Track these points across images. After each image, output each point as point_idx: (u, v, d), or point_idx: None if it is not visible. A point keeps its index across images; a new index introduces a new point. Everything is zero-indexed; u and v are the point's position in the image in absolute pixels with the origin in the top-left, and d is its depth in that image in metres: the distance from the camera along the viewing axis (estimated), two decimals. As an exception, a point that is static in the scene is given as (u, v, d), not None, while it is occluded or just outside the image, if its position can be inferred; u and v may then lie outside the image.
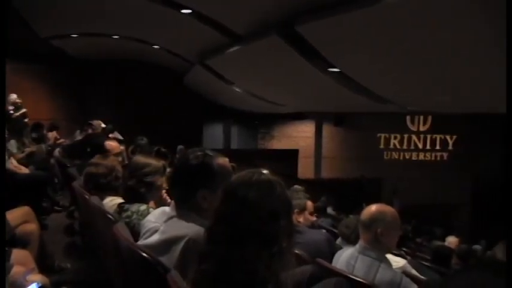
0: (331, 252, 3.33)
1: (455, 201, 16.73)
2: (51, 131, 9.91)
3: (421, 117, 17.52)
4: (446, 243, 8.33)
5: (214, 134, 17.39)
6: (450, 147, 17.63)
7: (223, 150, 13.03)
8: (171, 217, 1.97)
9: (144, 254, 1.73)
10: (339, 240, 4.22)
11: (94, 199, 2.96)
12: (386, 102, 11.18)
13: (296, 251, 2.72)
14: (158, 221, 2.07)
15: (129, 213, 2.79)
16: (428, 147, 17.68)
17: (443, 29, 6.04)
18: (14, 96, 6.98)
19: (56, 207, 6.15)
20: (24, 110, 6.55)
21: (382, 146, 17.57)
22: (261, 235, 1.47)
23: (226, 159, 2.08)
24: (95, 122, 8.71)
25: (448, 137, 17.60)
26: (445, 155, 17.65)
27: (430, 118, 17.45)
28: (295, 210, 4.03)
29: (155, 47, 12.66)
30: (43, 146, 7.21)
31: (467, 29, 5.89)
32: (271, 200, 1.53)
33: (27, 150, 6.08)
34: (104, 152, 4.41)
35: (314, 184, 14.45)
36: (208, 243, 1.52)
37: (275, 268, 1.47)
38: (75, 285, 3.48)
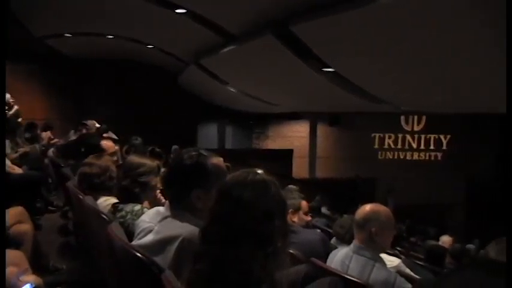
0: (325, 251, 3.33)
1: (450, 200, 16.78)
2: (45, 130, 9.86)
3: (416, 117, 17.56)
4: (440, 243, 8.37)
5: (208, 133, 17.37)
6: (444, 147, 17.67)
7: (217, 150, 13.02)
8: (166, 217, 1.97)
9: (138, 254, 1.72)
10: (333, 240, 4.23)
11: (88, 199, 2.95)
12: (381, 102, 11.21)
13: (291, 251, 2.72)
14: (152, 221, 2.07)
15: (123, 213, 2.78)
16: (422, 147, 17.73)
17: (439, 29, 6.07)
18: (7, 96, 6.95)
19: (50, 208, 6.13)
20: (16, 107, 6.52)
21: (376, 146, 17.59)
22: (255, 235, 1.47)
23: (221, 159, 2.08)
24: (89, 122, 8.69)
25: (442, 137, 17.65)
26: (439, 154, 17.70)
27: (424, 118, 17.50)
28: (290, 210, 4.04)
29: (149, 46, 12.63)
30: (37, 146, 7.17)
31: (461, 28, 5.92)
32: (266, 200, 1.53)
33: (21, 150, 6.05)
34: (99, 151, 4.40)
35: (308, 184, 14.45)
36: (203, 243, 1.52)
37: (270, 268, 1.47)
38: (69, 285, 3.47)
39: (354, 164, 16.90)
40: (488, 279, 1.26)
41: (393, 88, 9.94)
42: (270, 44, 7.87)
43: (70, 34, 12.04)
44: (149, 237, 1.96)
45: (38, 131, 8.89)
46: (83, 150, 4.87)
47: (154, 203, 3.00)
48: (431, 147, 17.73)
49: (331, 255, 2.99)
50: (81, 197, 3.10)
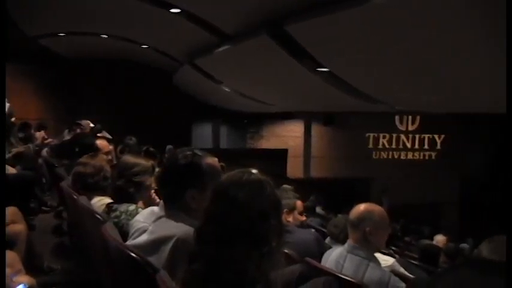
0: (320, 251, 3.34)
1: (444, 200, 16.85)
2: (39, 130, 9.82)
3: (410, 117, 17.61)
4: (434, 242, 8.40)
5: (203, 133, 17.36)
6: (438, 147, 17.74)
7: (212, 150, 12.94)
8: (160, 217, 1.97)
9: (132, 254, 1.72)
10: (327, 240, 4.23)
11: (82, 199, 2.94)
12: (376, 102, 11.23)
13: (285, 251, 2.73)
14: (147, 221, 2.07)
15: (117, 213, 2.78)
16: (416, 146, 17.78)
17: (434, 29, 6.08)
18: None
19: (43, 208, 6.10)
20: (8, 104, 6.47)
21: (371, 146, 17.63)
22: (251, 235, 1.47)
23: (215, 159, 2.08)
24: (84, 122, 8.67)
25: (436, 137, 17.71)
26: (433, 154, 17.76)
27: (418, 118, 17.55)
28: (285, 210, 4.04)
29: (144, 46, 12.61)
30: (30, 146, 7.15)
31: (456, 28, 5.93)
32: (261, 200, 1.53)
33: (15, 150, 6.02)
34: (93, 151, 4.39)
35: (303, 183, 14.46)
36: (198, 243, 1.52)
37: (265, 268, 1.47)
38: (64, 285, 3.46)
39: (349, 163, 16.93)
40: (482, 278, 1.27)
41: (388, 88, 9.96)
42: (265, 43, 7.87)
43: (64, 34, 11.99)
44: (143, 237, 1.95)
45: (32, 131, 8.85)
46: (77, 150, 4.85)
47: (149, 203, 3.00)
48: (426, 146, 17.79)
49: (325, 255, 2.99)
50: (75, 197, 3.09)
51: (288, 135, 17.22)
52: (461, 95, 9.74)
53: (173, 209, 1.95)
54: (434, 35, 6.19)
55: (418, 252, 6.55)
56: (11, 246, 3.07)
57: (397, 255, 4.97)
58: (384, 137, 17.66)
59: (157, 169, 3.15)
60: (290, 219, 4.22)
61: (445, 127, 17.27)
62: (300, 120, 17.04)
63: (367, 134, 17.55)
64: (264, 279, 1.46)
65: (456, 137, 17.17)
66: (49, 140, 9.19)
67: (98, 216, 2.52)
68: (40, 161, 6.86)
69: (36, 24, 11.20)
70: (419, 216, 14.35)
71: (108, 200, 3.11)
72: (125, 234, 2.22)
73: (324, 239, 4.24)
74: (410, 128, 17.74)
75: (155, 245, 1.85)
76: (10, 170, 5.36)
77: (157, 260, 1.76)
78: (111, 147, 5.21)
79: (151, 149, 6.06)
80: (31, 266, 3.18)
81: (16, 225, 3.34)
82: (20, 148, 6.22)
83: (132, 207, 2.80)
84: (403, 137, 17.72)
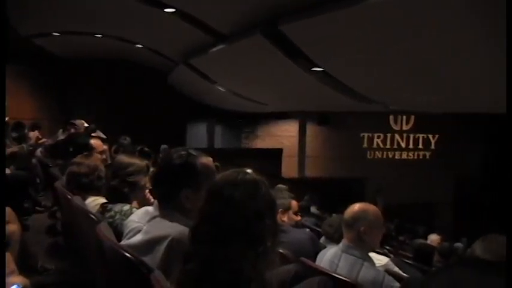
0: (314, 251, 3.35)
1: (438, 199, 16.91)
2: (32, 130, 9.78)
3: (404, 117, 17.66)
4: (428, 242, 8.43)
5: (198, 133, 17.34)
6: (433, 147, 17.80)
7: (207, 150, 12.98)
8: (154, 217, 1.97)
9: (127, 254, 1.72)
10: (322, 239, 4.24)
11: (76, 199, 2.93)
12: (371, 102, 11.25)
13: (280, 250, 2.73)
14: (141, 221, 2.07)
15: (112, 213, 2.77)
16: (411, 146, 17.83)
17: (428, 29, 6.09)
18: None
19: (37, 208, 6.08)
20: None
21: (365, 145, 17.66)
22: (246, 235, 1.47)
23: (210, 159, 2.08)
24: (78, 122, 8.63)
25: (430, 136, 17.77)
26: (427, 154, 17.81)
27: (412, 118, 17.60)
28: (280, 210, 4.04)
29: (139, 46, 12.57)
30: (24, 146, 7.12)
31: (456, 28, 5.93)
32: (257, 199, 1.53)
33: (8, 150, 6.00)
34: (87, 151, 4.38)
35: (298, 183, 14.47)
36: (193, 243, 1.51)
37: (260, 267, 1.48)
38: (58, 286, 3.45)
39: (343, 163, 16.96)
40: (476, 278, 1.28)
41: (386, 88, 9.97)
42: (259, 43, 7.86)
43: (58, 33, 11.95)
44: (138, 237, 1.95)
45: (26, 131, 8.82)
46: (71, 149, 4.85)
47: (143, 202, 2.99)
48: (420, 146, 17.84)
49: (320, 255, 3.00)
50: (69, 197, 3.09)
51: (283, 135, 17.22)
52: (461, 95, 9.76)
53: (168, 208, 1.95)
54: (434, 35, 6.19)
55: (412, 252, 6.57)
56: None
57: (391, 255, 4.99)
58: (379, 137, 17.69)
59: (151, 169, 3.15)
60: (285, 219, 4.23)
61: (439, 127, 17.32)
62: (294, 119, 17.05)
63: (361, 134, 17.57)
64: (259, 279, 1.46)
65: (450, 137, 17.23)
66: (43, 140, 9.15)
67: (93, 216, 2.52)
68: (34, 161, 6.84)
69: (29, 23, 11.15)
70: (414, 216, 14.38)
71: (102, 200, 3.10)
72: (119, 234, 2.22)
73: (319, 238, 4.25)
74: (404, 127, 17.78)
75: (150, 245, 1.84)
76: (4, 170, 5.34)
77: (151, 260, 1.76)
78: (105, 146, 5.20)
79: (146, 148, 6.06)
80: (25, 266, 3.17)
81: (10, 226, 3.32)
82: (14, 148, 6.20)
83: (126, 207, 2.80)
84: (397, 136, 17.76)
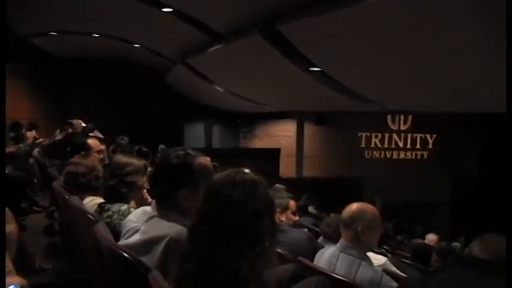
0: (312, 250, 3.34)
1: (436, 199, 16.94)
2: (30, 130, 9.77)
3: (402, 117, 17.68)
4: (426, 241, 8.44)
5: (195, 133, 17.33)
6: (430, 146, 17.82)
7: (204, 150, 13.01)
8: (152, 217, 1.96)
9: (125, 254, 1.72)
10: (320, 239, 4.24)
11: (74, 199, 2.93)
12: (368, 102, 11.26)
13: (278, 250, 2.73)
14: (139, 221, 2.06)
15: (110, 213, 2.77)
16: (409, 146, 17.85)
17: (428, 29, 6.08)
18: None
19: (35, 208, 6.07)
20: None
21: (363, 145, 17.68)
22: (244, 234, 1.47)
23: (208, 159, 2.08)
24: (75, 121, 8.63)
25: (428, 136, 17.80)
26: (425, 153, 17.84)
27: (410, 117, 17.62)
28: (278, 210, 4.04)
29: (136, 45, 12.56)
30: (22, 146, 7.11)
31: (456, 28, 5.93)
32: (255, 199, 1.53)
33: (6, 150, 5.98)
34: (85, 151, 4.37)
35: (296, 183, 14.47)
36: (191, 243, 1.51)
37: (258, 267, 1.48)
38: (56, 286, 3.45)
39: (341, 163, 16.97)
40: (473, 277, 1.28)
41: (385, 88, 9.97)
42: (257, 43, 7.86)
43: (56, 33, 11.93)
44: (136, 237, 1.95)
45: (23, 131, 8.81)
46: (68, 149, 4.84)
47: (141, 202, 2.99)
48: (418, 146, 17.86)
49: (318, 254, 3.00)
50: (67, 197, 3.08)
51: (281, 135, 17.23)
52: (461, 95, 9.76)
53: (165, 208, 1.95)
54: (434, 35, 6.19)
55: (410, 251, 6.58)
56: (2, 247, 3.05)
57: (389, 255, 4.99)
58: (376, 137, 17.71)
59: (149, 169, 3.15)
60: (283, 218, 4.23)
61: (437, 127, 17.36)
62: (292, 119, 17.06)
63: (359, 134, 17.59)
64: (257, 279, 1.46)
65: (448, 137, 17.25)
66: (40, 139, 9.15)
67: (90, 216, 2.52)
68: (31, 161, 6.83)
69: (26, 23, 11.12)
70: (412, 216, 14.40)
71: (100, 199, 3.09)
72: (117, 234, 2.21)
73: (317, 238, 4.24)
74: (402, 127, 17.80)
75: (148, 244, 1.84)
76: (1, 170, 5.33)
77: (149, 259, 1.76)
78: (103, 146, 5.19)
79: (144, 148, 6.04)
80: (22, 266, 3.16)
81: (7, 226, 3.32)
82: (11, 148, 6.20)
83: (124, 207, 2.79)
84: (395, 136, 17.78)
